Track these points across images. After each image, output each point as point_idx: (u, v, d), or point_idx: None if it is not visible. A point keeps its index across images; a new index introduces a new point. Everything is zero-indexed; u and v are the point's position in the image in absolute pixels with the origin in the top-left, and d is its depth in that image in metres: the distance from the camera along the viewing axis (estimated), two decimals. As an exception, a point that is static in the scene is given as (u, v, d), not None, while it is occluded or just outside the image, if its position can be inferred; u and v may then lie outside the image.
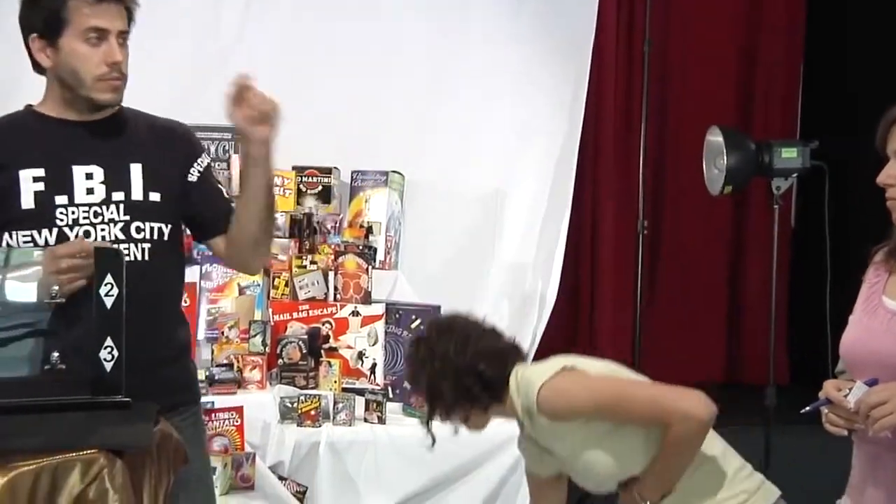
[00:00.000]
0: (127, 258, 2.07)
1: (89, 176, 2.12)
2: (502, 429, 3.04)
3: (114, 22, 2.07)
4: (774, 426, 3.73)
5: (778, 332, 3.97)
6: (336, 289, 3.48)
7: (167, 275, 2.20)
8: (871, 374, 1.80)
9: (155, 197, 2.15)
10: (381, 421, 3.16)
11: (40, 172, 2.10)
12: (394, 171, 3.71)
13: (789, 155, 3.85)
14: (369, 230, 3.61)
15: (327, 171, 3.70)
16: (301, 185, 3.69)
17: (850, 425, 1.86)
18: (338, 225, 3.66)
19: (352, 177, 3.68)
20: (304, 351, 3.30)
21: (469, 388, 2.18)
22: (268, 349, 3.30)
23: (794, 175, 3.93)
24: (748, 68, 5.22)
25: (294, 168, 3.69)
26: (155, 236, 2.14)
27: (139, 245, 2.13)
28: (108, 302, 2.03)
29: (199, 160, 2.24)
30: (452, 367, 2.17)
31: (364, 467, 3.07)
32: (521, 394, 2.19)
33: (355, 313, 3.40)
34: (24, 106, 2.19)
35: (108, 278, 2.04)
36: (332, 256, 3.50)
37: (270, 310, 3.43)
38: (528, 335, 4.07)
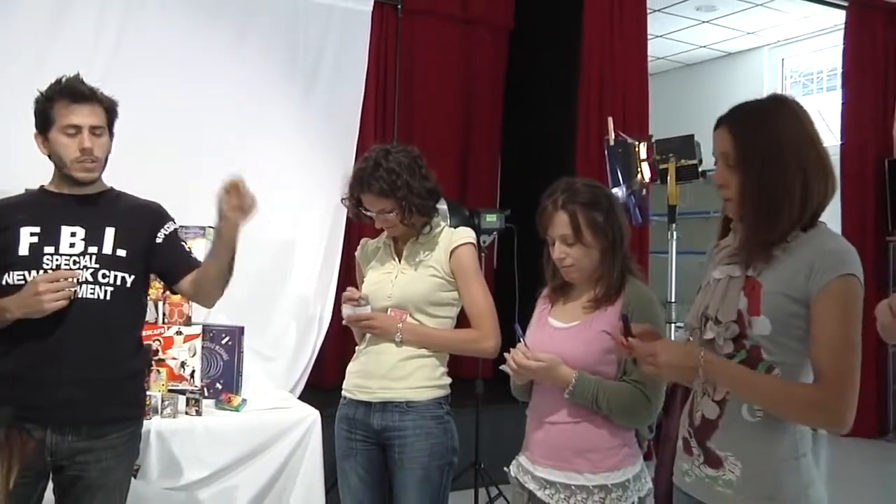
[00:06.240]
0: (92, 296, 2.16)
1: (73, 234, 2.19)
2: (285, 417, 3.26)
3: (86, 119, 2.16)
4: (482, 407, 3.98)
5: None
6: (164, 314, 3.41)
7: (125, 314, 2.25)
8: None
9: (121, 253, 2.21)
10: (199, 413, 3.15)
11: (36, 230, 2.18)
12: (209, 227, 3.32)
13: (491, 219, 4.19)
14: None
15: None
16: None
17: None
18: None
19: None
20: (140, 362, 2.85)
21: (424, 192, 2.38)
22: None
23: (494, 233, 4.26)
24: (464, 158, 5.60)
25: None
26: (118, 283, 2.19)
27: (103, 288, 2.18)
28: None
29: (165, 227, 2.32)
30: (418, 178, 2.38)
31: (185, 449, 3.06)
32: (445, 230, 2.42)
33: (179, 332, 3.36)
34: (39, 186, 2.29)
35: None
36: (162, 290, 3.38)
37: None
38: (309, 348, 4.23)
